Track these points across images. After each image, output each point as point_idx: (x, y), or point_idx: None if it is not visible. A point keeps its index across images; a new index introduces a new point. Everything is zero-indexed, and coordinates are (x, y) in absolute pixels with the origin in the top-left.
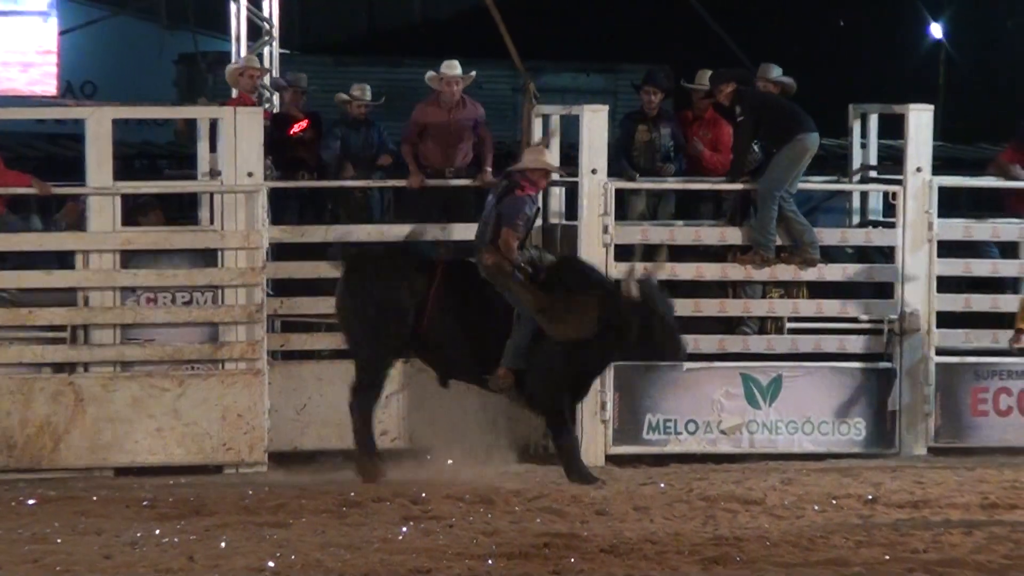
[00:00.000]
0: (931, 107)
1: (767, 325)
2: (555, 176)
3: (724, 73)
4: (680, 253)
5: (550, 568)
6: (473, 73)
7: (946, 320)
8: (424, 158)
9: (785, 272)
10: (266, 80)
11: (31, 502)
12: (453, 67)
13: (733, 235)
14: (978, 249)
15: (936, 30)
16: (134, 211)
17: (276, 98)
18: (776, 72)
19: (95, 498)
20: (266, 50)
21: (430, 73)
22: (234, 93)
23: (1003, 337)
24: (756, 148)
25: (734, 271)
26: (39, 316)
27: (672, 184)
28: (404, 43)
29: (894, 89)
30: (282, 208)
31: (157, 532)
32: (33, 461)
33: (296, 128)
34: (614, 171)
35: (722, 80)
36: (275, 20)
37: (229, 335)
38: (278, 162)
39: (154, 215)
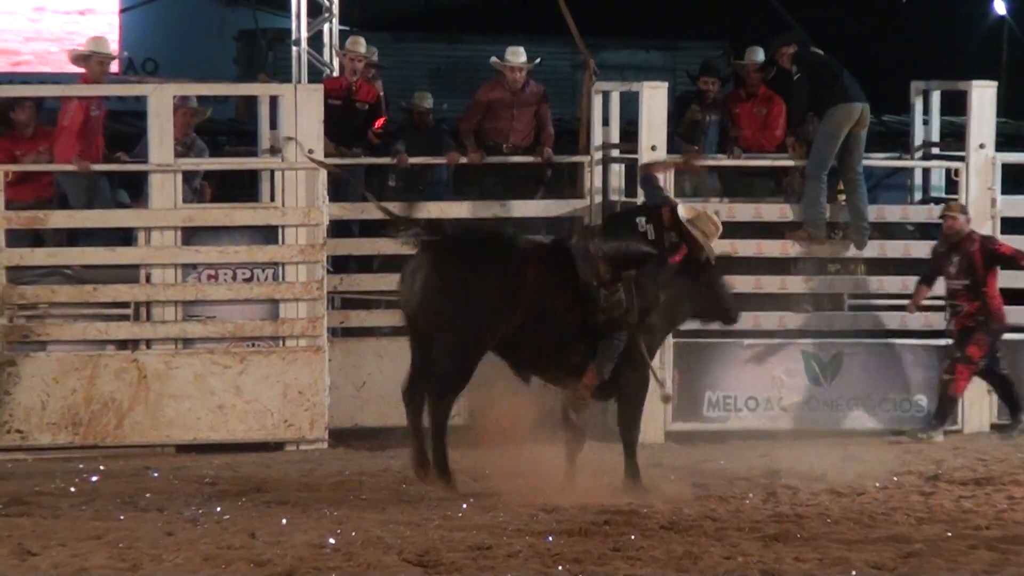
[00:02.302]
0: (994, 83)
1: (824, 301)
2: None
3: (785, 36)
4: (739, 230)
5: (610, 545)
6: (538, 60)
7: (1010, 297)
8: (487, 135)
9: (843, 249)
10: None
11: (94, 479)
12: (518, 54)
13: (792, 212)
14: None
15: (1000, 6)
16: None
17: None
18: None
19: (157, 475)
20: (325, 27)
21: (494, 59)
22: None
23: None
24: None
25: (794, 248)
26: (103, 293)
27: (727, 161)
28: (462, 19)
29: (957, 65)
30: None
31: (218, 509)
32: (97, 438)
33: (379, 123)
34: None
35: (783, 43)
36: None
37: (290, 312)
38: (336, 136)
39: (203, 192)
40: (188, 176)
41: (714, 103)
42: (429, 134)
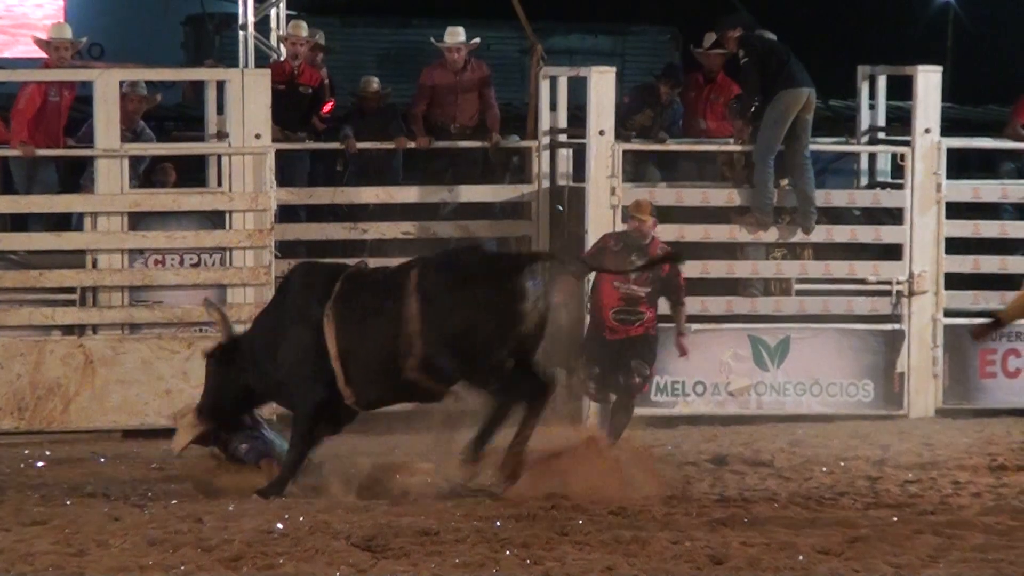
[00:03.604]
0: (940, 68)
1: (771, 286)
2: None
3: (730, 19)
4: (688, 215)
5: (557, 529)
6: (477, 40)
7: (954, 281)
8: (431, 118)
9: (790, 234)
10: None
11: (40, 464)
12: (456, 35)
13: (740, 196)
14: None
15: None
16: (149, 172)
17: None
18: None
19: (103, 460)
20: (272, 11)
21: (433, 39)
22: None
23: (1011, 299)
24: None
25: (741, 233)
26: (48, 278)
27: (678, 147)
28: (411, 4)
29: (902, 50)
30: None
31: (165, 494)
32: (43, 423)
33: (327, 108)
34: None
35: (728, 26)
36: None
37: (237, 297)
38: (281, 120)
39: (167, 175)
40: (135, 162)
41: (669, 104)
42: (378, 119)
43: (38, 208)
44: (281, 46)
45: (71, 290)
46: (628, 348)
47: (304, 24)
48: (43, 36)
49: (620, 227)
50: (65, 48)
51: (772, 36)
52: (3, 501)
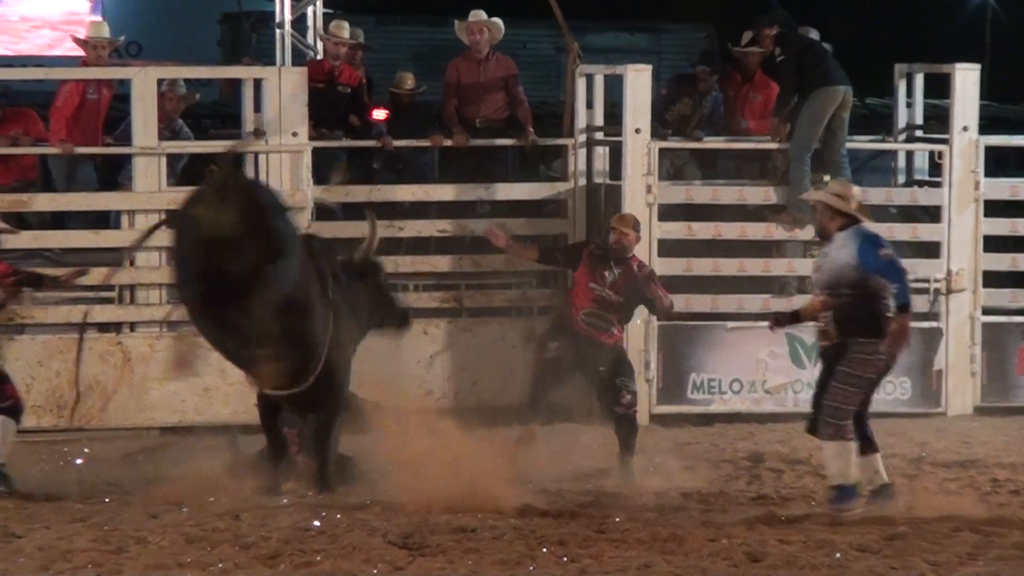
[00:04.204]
0: (977, 66)
1: (808, 284)
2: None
3: (767, 17)
4: (724, 212)
5: (595, 527)
6: (497, 20)
7: (992, 279)
8: (461, 115)
9: None
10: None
11: (79, 462)
12: (478, 14)
13: (777, 195)
14: None
15: None
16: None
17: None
18: (814, 37)
19: (141, 458)
20: (309, 9)
21: (457, 22)
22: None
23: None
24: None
25: (778, 231)
26: (87, 276)
27: (713, 144)
28: (446, 2)
29: (940, 48)
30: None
31: (203, 491)
32: (82, 421)
33: (379, 114)
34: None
35: (765, 24)
36: None
37: None
38: (318, 119)
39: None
40: (173, 161)
41: (707, 92)
42: (413, 116)
43: (76, 206)
44: (318, 44)
45: (109, 288)
46: (597, 350)
47: (346, 24)
48: (82, 35)
49: (656, 226)
50: (103, 47)
51: (815, 33)
52: (43, 498)
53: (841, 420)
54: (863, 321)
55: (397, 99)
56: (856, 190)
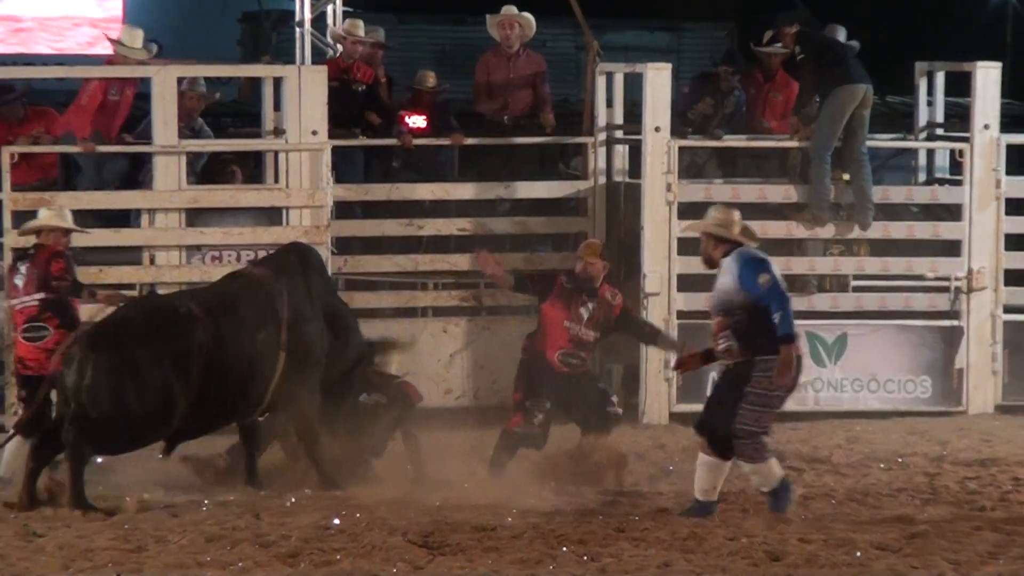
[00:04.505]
0: (998, 64)
1: (828, 282)
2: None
3: (787, 15)
4: (744, 211)
5: (614, 525)
6: (529, 15)
7: (1014, 278)
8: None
9: (848, 230)
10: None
11: (99, 460)
12: (510, 9)
13: (797, 193)
14: None
15: None
16: (211, 170)
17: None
18: (842, 35)
19: (160, 456)
20: (329, 8)
21: (489, 17)
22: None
23: None
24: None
25: (798, 229)
26: (108, 275)
27: (734, 143)
28: (468, 1)
29: (961, 46)
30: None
31: (223, 489)
32: None
33: (423, 123)
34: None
35: (785, 22)
36: None
37: None
38: (334, 117)
39: (234, 178)
40: (193, 159)
41: (729, 92)
42: (434, 114)
43: (96, 204)
44: (338, 43)
45: (130, 287)
46: (576, 384)
47: (361, 23)
48: (111, 34)
49: (675, 224)
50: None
51: (842, 31)
52: (64, 497)
53: (758, 442)
54: (762, 337)
55: (418, 97)
56: (737, 215)
